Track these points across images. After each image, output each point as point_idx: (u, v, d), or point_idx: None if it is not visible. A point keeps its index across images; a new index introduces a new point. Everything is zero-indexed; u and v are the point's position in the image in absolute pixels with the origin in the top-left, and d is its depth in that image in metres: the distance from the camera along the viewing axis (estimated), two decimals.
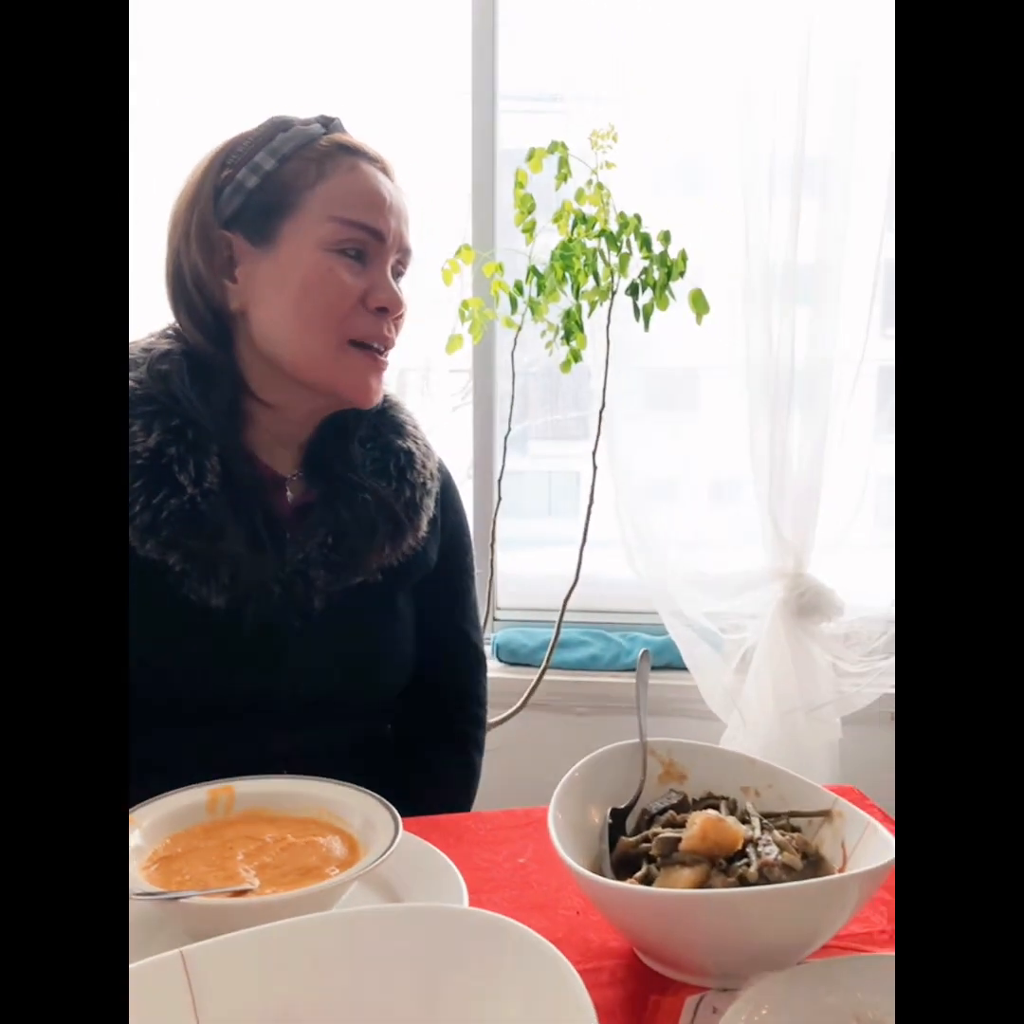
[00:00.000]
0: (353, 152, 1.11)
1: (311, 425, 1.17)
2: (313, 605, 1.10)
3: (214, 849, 0.86)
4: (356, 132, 1.15)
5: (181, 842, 0.87)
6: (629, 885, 0.77)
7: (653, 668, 2.26)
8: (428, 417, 1.30)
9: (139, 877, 0.79)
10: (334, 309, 1.07)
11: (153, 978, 0.63)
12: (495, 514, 2.09)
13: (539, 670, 2.08)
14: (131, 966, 0.62)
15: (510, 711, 2.05)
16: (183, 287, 1.11)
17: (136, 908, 0.81)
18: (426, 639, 1.23)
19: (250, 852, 0.85)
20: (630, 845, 0.85)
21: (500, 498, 2.08)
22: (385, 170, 1.13)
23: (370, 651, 1.16)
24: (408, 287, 1.15)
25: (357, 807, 0.90)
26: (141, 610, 1.05)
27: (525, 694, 2.06)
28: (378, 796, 0.90)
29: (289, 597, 1.09)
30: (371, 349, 1.10)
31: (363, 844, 0.86)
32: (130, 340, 1.15)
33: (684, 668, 2.15)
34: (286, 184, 1.08)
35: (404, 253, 1.13)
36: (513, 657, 2.32)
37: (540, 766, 2.11)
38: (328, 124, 1.12)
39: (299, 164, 1.08)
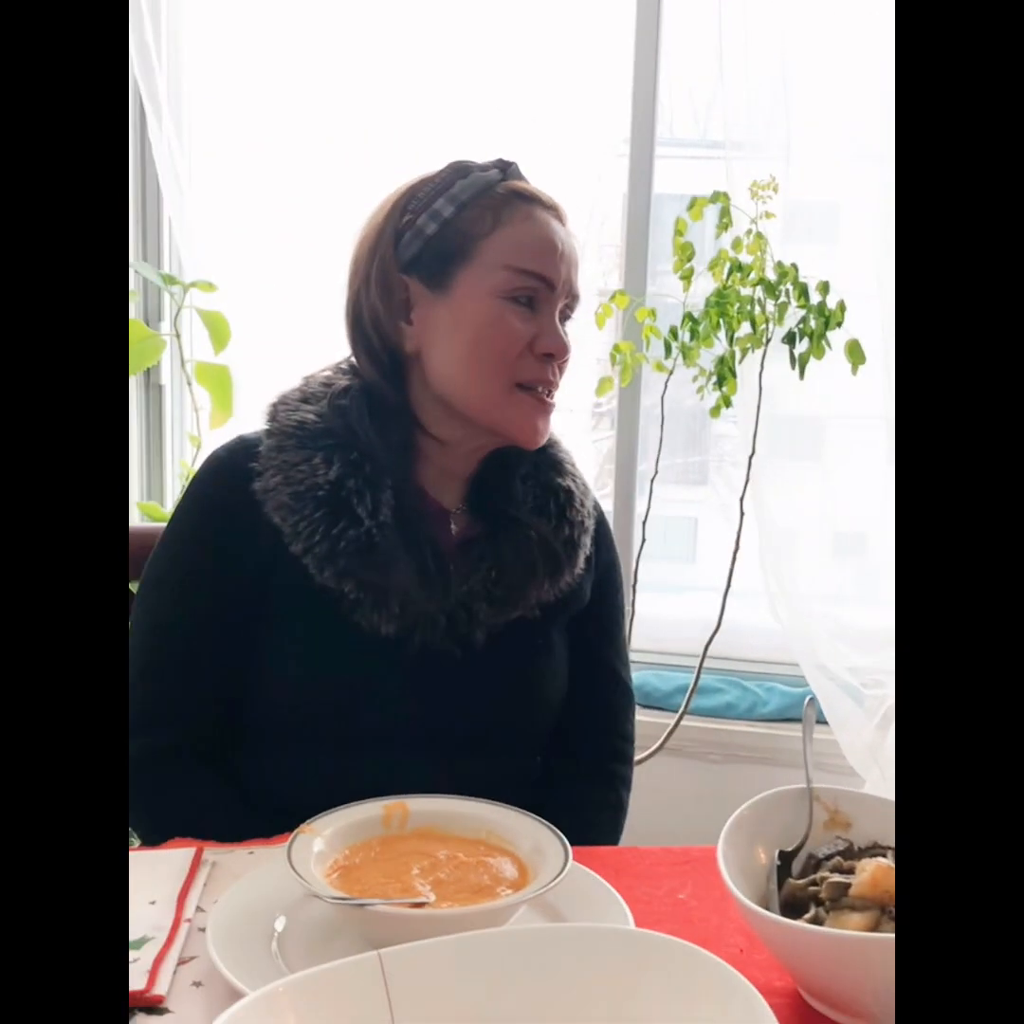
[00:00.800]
0: (529, 200, 1.15)
1: (476, 460, 1.21)
2: (475, 637, 1.14)
3: (390, 862, 0.89)
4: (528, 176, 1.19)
5: (359, 853, 0.90)
6: (801, 923, 0.78)
7: (789, 721, 2.25)
8: (571, 447, 1.33)
9: (324, 883, 0.83)
10: (504, 355, 1.12)
11: (351, 977, 0.66)
12: (638, 556, 2.10)
13: (676, 715, 2.08)
14: (329, 965, 0.66)
15: (645, 754, 2.06)
16: (362, 328, 1.18)
17: (318, 910, 0.86)
18: (577, 674, 1.26)
19: (424, 867, 0.88)
20: (798, 887, 0.86)
21: (644, 539, 2.10)
22: (559, 217, 1.17)
23: (527, 684, 1.21)
24: (572, 332, 1.19)
25: (524, 831, 0.92)
26: (315, 635, 1.13)
27: (661, 738, 2.06)
28: (546, 823, 0.92)
29: (453, 628, 1.13)
30: (537, 392, 1.14)
31: (532, 867, 0.89)
32: (311, 373, 1.22)
33: (824, 722, 2.13)
34: (463, 231, 1.13)
35: (572, 298, 1.17)
36: (647, 700, 2.32)
37: (672, 812, 2.12)
38: (506, 170, 1.16)
39: (476, 211, 1.13)
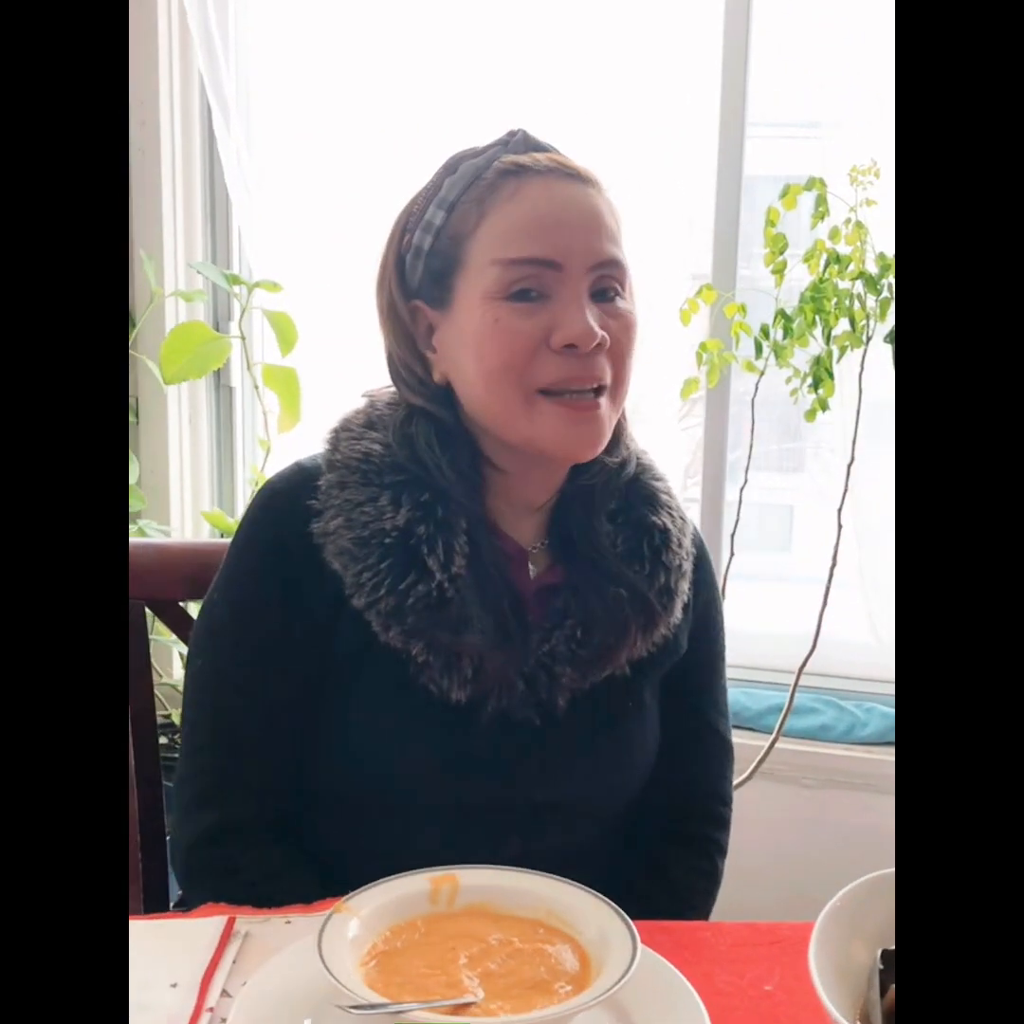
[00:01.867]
0: (517, 173, 0.98)
1: (549, 489, 1.07)
2: (556, 704, 1.01)
3: (435, 947, 0.79)
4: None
5: (401, 936, 0.81)
6: None
7: (889, 744, 2.10)
8: (654, 446, 1.18)
9: (358, 977, 0.74)
10: (510, 361, 0.96)
11: None
12: (727, 570, 1.98)
13: (769, 737, 1.95)
14: None
15: (738, 779, 1.93)
16: (394, 368, 1.06)
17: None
18: (670, 732, 1.12)
19: (473, 955, 0.78)
20: None
21: (733, 553, 1.98)
22: (570, 175, 0.99)
23: (615, 752, 1.07)
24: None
25: (588, 912, 0.82)
26: (379, 699, 1.00)
27: (755, 762, 1.94)
28: (612, 904, 0.81)
29: (532, 693, 1.01)
30: (570, 395, 0.97)
31: (596, 957, 0.78)
32: (375, 391, 1.10)
33: None
34: (454, 236, 0.99)
35: (607, 268, 0.98)
36: (736, 720, 2.19)
37: (767, 840, 1.99)
38: (506, 144, 1.01)
39: (464, 209, 0.98)
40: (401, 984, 0.75)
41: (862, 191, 1.75)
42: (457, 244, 0.98)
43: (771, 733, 1.96)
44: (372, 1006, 0.69)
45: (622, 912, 0.80)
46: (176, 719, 1.71)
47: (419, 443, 1.01)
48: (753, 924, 0.94)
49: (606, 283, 0.98)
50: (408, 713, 1.00)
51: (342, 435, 1.04)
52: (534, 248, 0.95)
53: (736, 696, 2.22)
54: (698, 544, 1.15)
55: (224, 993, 0.81)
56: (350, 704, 1.01)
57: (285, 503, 1.02)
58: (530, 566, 1.06)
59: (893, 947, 0.78)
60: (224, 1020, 0.75)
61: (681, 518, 1.11)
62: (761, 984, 0.86)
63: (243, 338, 2.18)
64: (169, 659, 2.26)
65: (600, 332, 0.95)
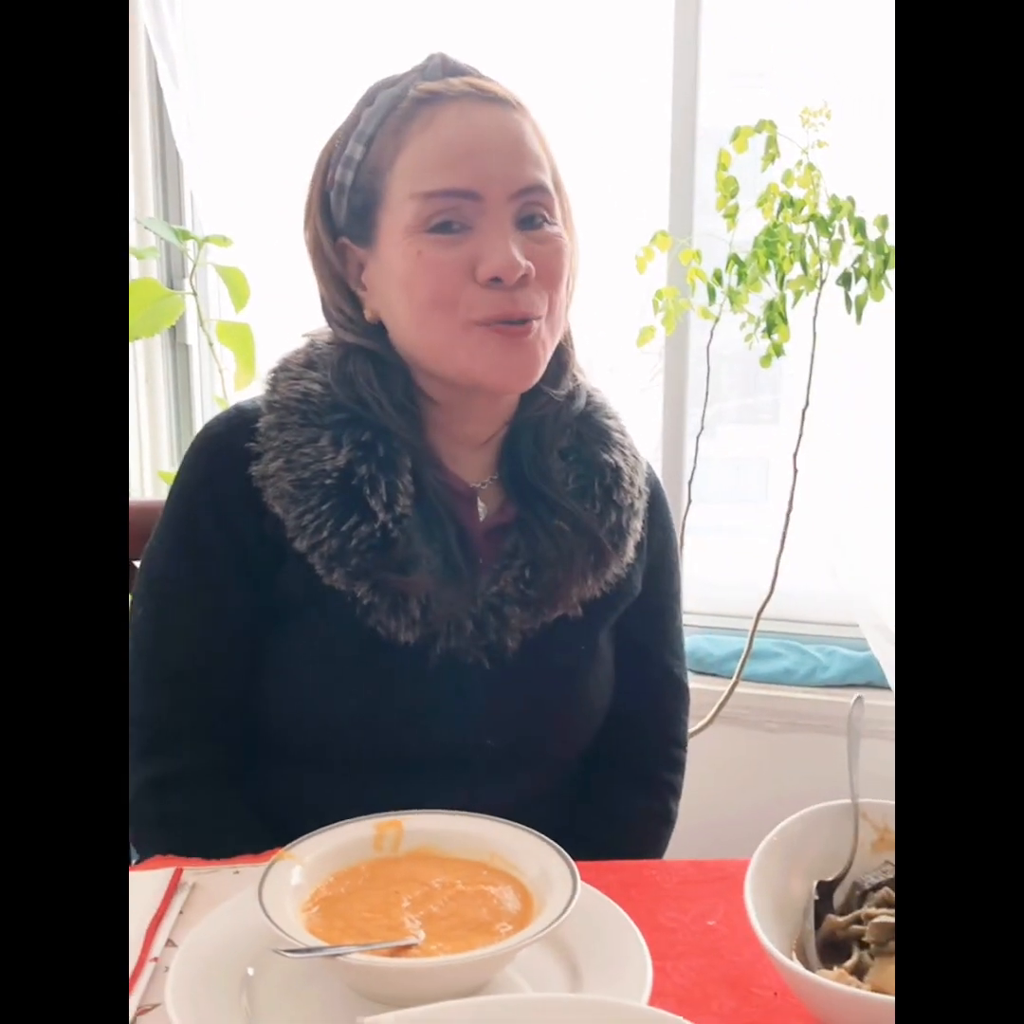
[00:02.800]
0: (431, 101, 0.95)
1: (491, 423, 1.05)
2: (506, 645, 1.01)
3: (379, 892, 0.80)
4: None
5: (344, 882, 0.81)
6: (838, 984, 0.67)
7: (851, 686, 2.13)
8: (614, 398, 1.16)
9: (299, 922, 0.74)
10: (440, 294, 0.94)
11: None
12: (685, 517, 1.98)
13: (730, 682, 1.97)
14: None
15: (699, 724, 1.95)
16: (325, 308, 1.05)
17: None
18: (625, 675, 1.12)
19: (416, 899, 0.79)
20: (839, 926, 0.75)
21: (690, 501, 1.98)
22: (488, 99, 0.96)
23: (567, 696, 1.06)
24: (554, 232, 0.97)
25: (531, 853, 0.82)
26: (325, 643, 0.99)
27: (715, 707, 1.95)
28: (553, 844, 0.82)
29: (480, 634, 1.00)
30: (503, 324, 0.95)
31: (537, 897, 0.79)
32: (315, 331, 1.08)
33: (886, 687, 2.00)
34: (373, 170, 0.97)
35: (531, 193, 0.95)
36: (699, 666, 2.21)
37: (729, 784, 2.02)
38: (424, 69, 0.98)
39: (382, 141, 0.96)
40: (343, 928, 0.75)
41: (814, 133, 1.74)
42: (377, 178, 0.97)
43: (732, 678, 1.98)
44: (308, 950, 0.70)
45: (564, 852, 0.80)
46: None
47: (358, 380, 1.00)
48: (700, 862, 0.95)
49: (532, 209, 0.96)
50: (355, 656, 0.99)
51: (281, 375, 1.03)
52: (451, 179, 0.93)
53: (699, 643, 2.23)
54: (653, 484, 1.14)
55: (169, 943, 0.81)
56: (295, 648, 1.01)
57: (223, 446, 1.01)
58: (480, 505, 1.05)
59: (830, 878, 0.79)
60: (167, 969, 0.75)
61: (634, 457, 1.10)
62: (704, 919, 0.87)
63: (196, 294, 2.15)
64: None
65: (525, 262, 0.94)
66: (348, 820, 0.85)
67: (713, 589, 2.27)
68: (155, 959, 0.79)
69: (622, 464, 1.07)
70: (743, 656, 1.98)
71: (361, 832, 0.84)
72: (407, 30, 2.16)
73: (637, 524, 1.07)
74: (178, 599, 1.02)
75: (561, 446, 1.06)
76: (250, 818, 1.01)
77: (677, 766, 1.19)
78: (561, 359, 1.06)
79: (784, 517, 1.89)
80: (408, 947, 0.73)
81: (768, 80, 2.03)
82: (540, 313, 0.96)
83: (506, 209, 0.94)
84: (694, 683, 2.11)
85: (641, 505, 1.09)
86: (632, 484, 1.07)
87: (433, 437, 1.04)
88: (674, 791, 1.18)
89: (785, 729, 2.13)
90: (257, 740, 1.05)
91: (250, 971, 0.76)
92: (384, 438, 0.98)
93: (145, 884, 0.88)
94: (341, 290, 1.02)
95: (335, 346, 1.04)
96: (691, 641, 2.24)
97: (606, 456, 1.06)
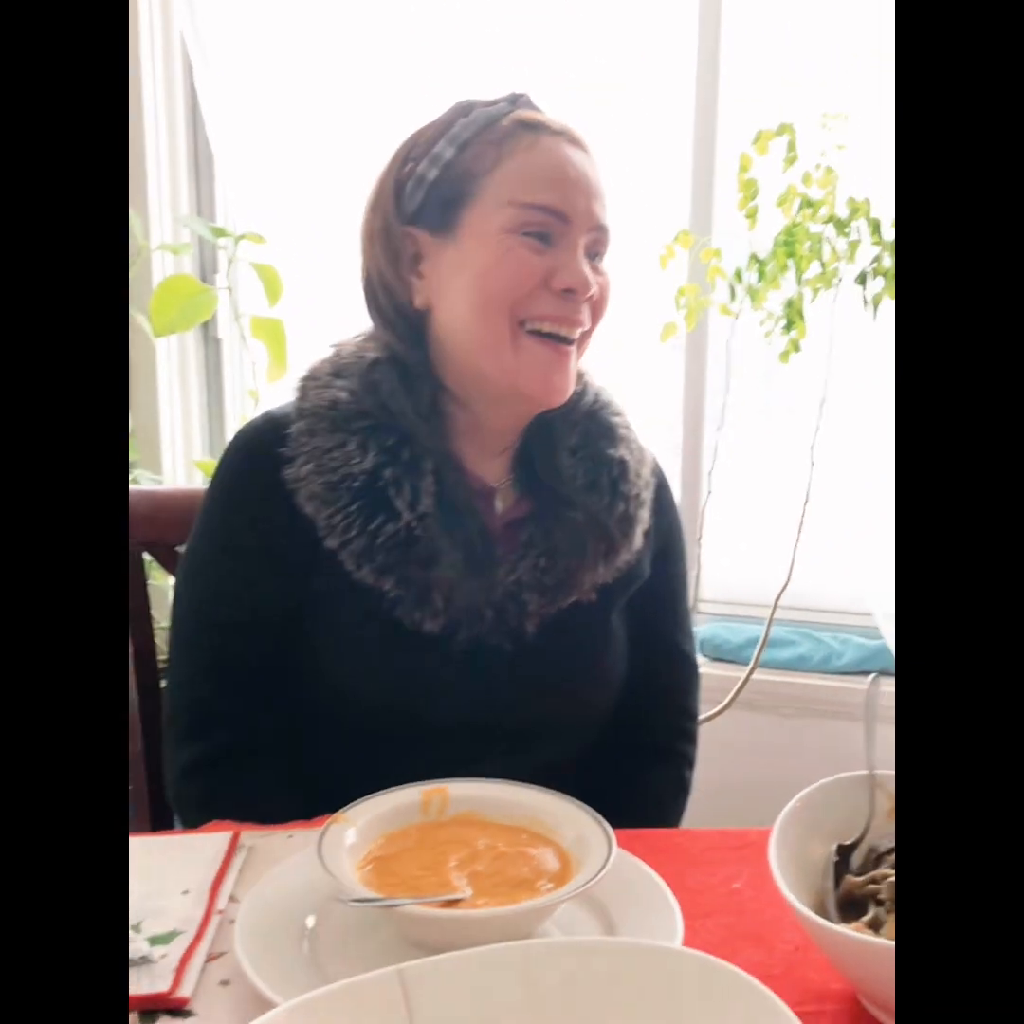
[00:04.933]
0: (534, 128, 1.05)
1: (515, 432, 1.13)
2: (525, 629, 1.08)
3: (427, 852, 0.86)
4: (570, 112, 1.09)
5: (395, 842, 0.87)
6: (856, 933, 0.73)
7: (865, 673, 2.18)
8: (635, 394, 1.24)
9: (355, 878, 0.80)
10: (513, 290, 1.02)
11: (371, 993, 0.63)
12: (704, 508, 2.03)
13: (747, 668, 2.02)
14: (349, 981, 0.62)
15: (716, 709, 2.01)
16: (373, 290, 1.11)
17: (354, 909, 0.82)
18: (638, 653, 1.19)
19: (462, 859, 0.85)
20: (857, 885, 0.81)
21: (710, 492, 2.03)
22: (574, 142, 1.06)
23: (584, 674, 1.13)
24: (614, 270, 1.08)
25: (569, 819, 0.88)
26: (356, 633, 1.07)
27: (732, 692, 2.01)
28: (590, 810, 0.88)
29: (501, 621, 1.07)
30: (553, 339, 1.04)
31: (575, 858, 0.85)
32: (341, 341, 1.14)
33: None
34: (465, 172, 1.04)
35: (599, 231, 1.06)
36: (717, 653, 2.26)
37: (745, 767, 2.07)
38: (515, 101, 1.07)
39: (478, 149, 1.04)
40: (395, 884, 0.81)
41: (832, 136, 1.79)
42: (469, 179, 1.04)
43: (749, 664, 2.03)
44: (367, 900, 0.76)
45: (599, 817, 0.87)
46: None
47: (383, 388, 1.06)
48: (723, 830, 1.01)
49: (596, 246, 1.07)
50: (384, 644, 1.06)
51: (310, 384, 1.09)
52: (550, 197, 1.03)
53: (717, 630, 2.29)
54: (658, 475, 1.21)
55: (232, 898, 0.87)
56: (330, 638, 1.08)
57: (257, 451, 1.08)
58: (498, 503, 1.13)
59: (848, 842, 0.85)
60: (233, 922, 0.81)
61: (639, 450, 1.17)
62: (730, 882, 0.93)
63: (230, 290, 2.21)
64: (166, 604, 2.30)
65: (594, 284, 1.04)
66: (396, 787, 0.91)
67: (731, 578, 2.33)
68: (220, 912, 0.85)
69: (628, 458, 1.14)
70: (760, 643, 2.04)
71: (409, 798, 0.91)
72: (434, 32, 2.21)
73: (644, 513, 1.15)
74: (217, 594, 1.10)
75: (570, 443, 1.13)
76: (291, 792, 1.08)
77: (690, 737, 1.26)
78: None
79: (801, 508, 1.95)
80: (457, 901, 0.79)
81: (788, 84, 2.07)
82: (586, 328, 1.06)
83: (582, 237, 1.04)
84: (713, 669, 2.21)
85: (648, 495, 1.16)
86: (639, 476, 1.15)
87: (457, 442, 1.11)
88: (688, 761, 1.25)
89: (800, 714, 2.18)
90: (297, 720, 1.11)
91: (310, 922, 0.82)
92: (408, 443, 1.05)
93: (206, 845, 0.94)
94: (396, 273, 1.08)
95: (361, 356, 1.10)
96: (709, 629, 2.30)
97: (612, 451, 1.14)
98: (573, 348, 1.06)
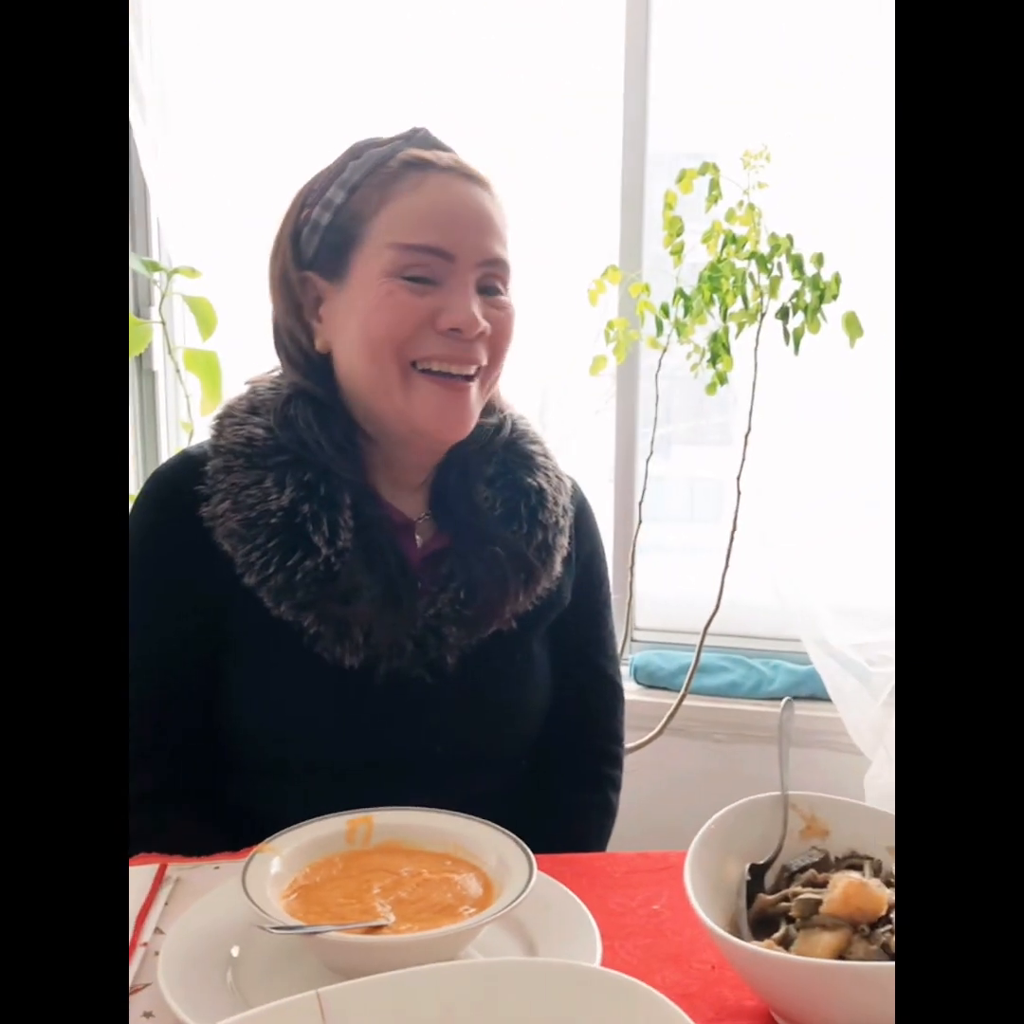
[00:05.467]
0: (420, 167, 1.06)
1: (429, 466, 1.14)
2: (446, 662, 1.09)
3: (352, 880, 0.87)
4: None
5: (320, 871, 0.88)
6: (765, 950, 0.75)
7: (796, 698, 2.21)
8: (569, 421, 1.26)
9: (279, 907, 0.81)
10: (395, 333, 1.03)
11: (291, 1017, 0.64)
12: (635, 537, 2.07)
13: (679, 695, 2.05)
14: (268, 1006, 0.63)
15: (648, 736, 2.03)
16: (278, 335, 1.13)
17: (277, 937, 0.83)
18: (561, 678, 1.20)
19: (386, 886, 0.86)
20: (769, 904, 0.83)
21: (640, 521, 2.07)
22: (468, 176, 1.07)
23: (507, 703, 1.15)
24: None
25: (491, 845, 0.90)
26: (276, 670, 1.07)
27: (664, 719, 2.03)
28: (512, 836, 0.90)
29: (421, 654, 1.07)
30: (444, 376, 1.05)
31: (497, 883, 0.86)
32: (257, 378, 1.15)
33: (827, 699, 2.09)
34: (353, 215, 1.06)
35: (493, 265, 1.06)
36: (650, 680, 2.29)
37: (677, 792, 2.10)
38: (411, 138, 1.08)
39: (366, 192, 1.06)
40: (319, 913, 0.82)
41: (754, 174, 1.84)
42: (357, 223, 1.05)
43: (681, 691, 2.06)
44: (290, 928, 0.77)
45: (521, 842, 0.88)
46: None
47: (298, 423, 1.07)
48: (646, 853, 1.03)
49: (491, 280, 1.07)
50: (304, 681, 1.06)
51: (226, 421, 1.10)
52: (431, 237, 1.03)
53: (650, 657, 2.32)
54: (578, 501, 1.23)
55: (157, 930, 0.87)
56: (248, 676, 1.07)
57: (173, 490, 1.07)
58: (418, 537, 1.14)
59: (761, 862, 0.87)
60: (157, 953, 0.82)
61: (557, 478, 1.18)
62: (650, 904, 0.95)
63: (164, 323, 2.22)
64: None
65: (484, 322, 1.04)
66: (322, 817, 0.92)
67: (662, 606, 2.37)
68: (145, 944, 0.85)
69: (546, 485, 1.16)
70: (691, 670, 2.07)
71: (334, 827, 0.92)
72: (361, 63, 2.24)
73: (563, 540, 1.16)
74: (137, 636, 1.07)
75: (487, 474, 1.15)
76: (216, 831, 1.06)
77: (616, 761, 1.28)
78: (492, 394, 1.15)
79: (728, 536, 1.99)
80: (380, 928, 0.80)
81: (713, 121, 2.13)
82: (483, 363, 1.06)
83: (471, 274, 1.05)
84: (646, 696, 2.24)
85: (566, 522, 1.17)
86: (557, 503, 1.16)
87: (373, 476, 1.12)
88: (613, 784, 1.27)
89: (731, 740, 2.21)
90: (223, 759, 1.11)
91: (234, 951, 0.83)
92: (325, 477, 1.05)
93: (132, 879, 0.94)
94: (297, 319, 1.10)
95: (276, 391, 1.11)
96: (643, 656, 2.33)
97: (530, 479, 1.15)
98: (471, 384, 1.06)
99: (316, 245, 1.08)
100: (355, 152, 1.09)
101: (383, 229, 1.04)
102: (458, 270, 1.04)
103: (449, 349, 1.04)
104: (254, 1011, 0.63)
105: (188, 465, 1.08)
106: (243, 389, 1.14)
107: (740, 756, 2.19)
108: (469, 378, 1.06)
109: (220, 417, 1.11)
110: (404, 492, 1.14)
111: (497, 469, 1.15)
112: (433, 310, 1.03)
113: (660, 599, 2.38)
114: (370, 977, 0.66)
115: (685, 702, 2.06)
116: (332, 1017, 0.64)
